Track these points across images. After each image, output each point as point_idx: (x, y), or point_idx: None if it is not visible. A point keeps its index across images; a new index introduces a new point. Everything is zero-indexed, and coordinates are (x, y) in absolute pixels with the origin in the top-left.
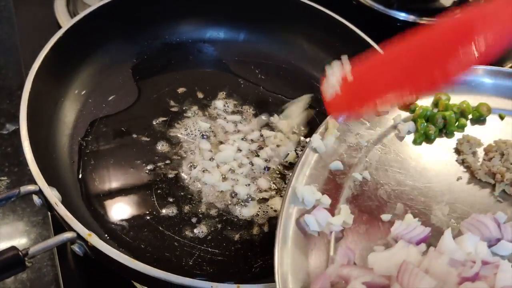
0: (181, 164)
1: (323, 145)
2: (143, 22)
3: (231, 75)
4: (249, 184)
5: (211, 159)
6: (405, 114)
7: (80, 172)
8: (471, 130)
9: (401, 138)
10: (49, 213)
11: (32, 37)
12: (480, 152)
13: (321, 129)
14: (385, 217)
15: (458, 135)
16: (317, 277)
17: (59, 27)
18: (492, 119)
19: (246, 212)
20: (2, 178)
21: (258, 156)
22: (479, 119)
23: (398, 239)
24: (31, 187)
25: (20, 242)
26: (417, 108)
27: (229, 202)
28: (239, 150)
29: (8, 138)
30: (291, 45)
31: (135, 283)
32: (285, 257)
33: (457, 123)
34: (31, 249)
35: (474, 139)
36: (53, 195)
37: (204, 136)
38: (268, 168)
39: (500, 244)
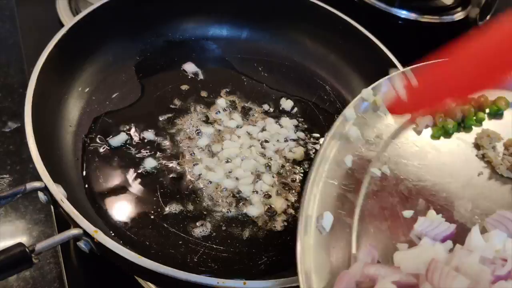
0: (185, 162)
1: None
2: (146, 20)
3: (234, 72)
4: (253, 181)
5: (215, 156)
6: None
7: (84, 169)
8: (489, 124)
9: (419, 132)
10: (52, 210)
11: (34, 35)
12: (500, 147)
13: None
14: (407, 213)
15: (476, 129)
16: (341, 276)
17: (62, 25)
18: (509, 113)
19: (250, 208)
20: (5, 175)
21: (262, 153)
22: (497, 113)
23: (421, 236)
24: (36, 184)
25: (23, 240)
26: None
27: (233, 199)
28: (243, 147)
29: (10, 136)
30: (294, 43)
31: (139, 280)
32: (306, 255)
33: (475, 117)
34: (38, 246)
35: (494, 133)
36: (58, 192)
37: (208, 134)
38: (271, 166)
39: None
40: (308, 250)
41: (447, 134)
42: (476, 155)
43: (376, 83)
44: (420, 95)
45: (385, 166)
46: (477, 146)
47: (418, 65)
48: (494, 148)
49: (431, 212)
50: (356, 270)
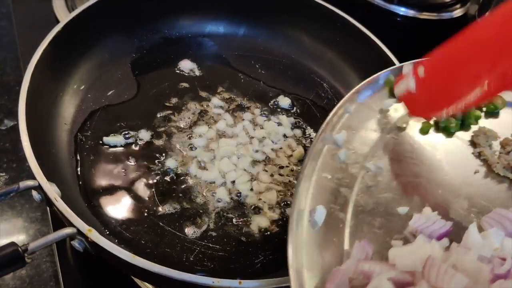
0: (180, 160)
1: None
2: (142, 17)
3: (231, 69)
4: (249, 179)
5: (211, 154)
6: None
7: (79, 167)
8: (485, 123)
9: (415, 129)
10: (48, 209)
11: (30, 32)
12: (496, 146)
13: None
14: (402, 210)
15: (473, 127)
16: (333, 272)
17: (58, 22)
18: (506, 112)
19: (247, 207)
20: (1, 174)
21: (259, 150)
22: (493, 112)
23: (417, 234)
24: (30, 183)
25: (19, 238)
26: None
27: (230, 198)
28: (239, 145)
29: (6, 134)
30: (291, 40)
31: (135, 279)
32: (298, 251)
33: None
34: (31, 245)
35: (490, 131)
36: (52, 191)
37: (204, 132)
38: (268, 164)
39: None
40: (299, 245)
41: (449, 134)
42: (473, 153)
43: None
44: (433, 91)
45: (380, 161)
46: (473, 144)
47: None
48: (491, 146)
49: (427, 209)
50: (350, 266)
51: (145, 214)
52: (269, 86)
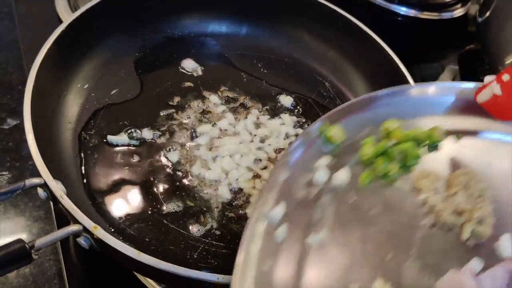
0: (184, 158)
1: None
2: (145, 16)
3: (233, 69)
4: (252, 177)
5: (214, 152)
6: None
7: (84, 165)
8: (426, 160)
9: (344, 187)
10: (52, 207)
11: (32, 32)
12: (442, 187)
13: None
14: (353, 287)
15: (414, 169)
16: None
17: (60, 22)
18: (446, 143)
19: (250, 205)
20: (4, 172)
21: (261, 149)
22: (434, 146)
23: None
24: (36, 180)
25: (23, 237)
26: (364, 146)
27: (233, 196)
28: (242, 143)
29: (9, 133)
30: (293, 39)
31: (139, 277)
32: (248, 273)
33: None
34: (37, 242)
35: (433, 173)
36: (58, 188)
37: (207, 130)
38: (271, 162)
39: None
40: (249, 268)
41: (391, 182)
42: (416, 201)
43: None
44: None
45: (322, 231)
46: (417, 189)
47: None
48: (436, 190)
49: (379, 282)
50: None
51: (149, 212)
52: (272, 85)
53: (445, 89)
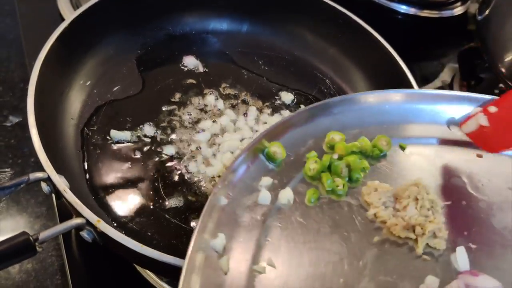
0: (186, 154)
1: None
2: (147, 13)
3: (234, 66)
4: None
5: (215, 148)
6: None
7: (86, 161)
8: (372, 172)
9: (290, 206)
10: (54, 203)
11: (35, 29)
12: (391, 200)
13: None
14: None
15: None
16: None
17: (62, 19)
18: (391, 153)
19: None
20: (6, 169)
21: None
22: (379, 157)
23: None
24: (40, 174)
25: None
26: (308, 162)
27: None
28: (243, 139)
29: (11, 130)
30: (294, 36)
31: (141, 273)
32: None
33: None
34: (41, 234)
35: (381, 186)
36: (61, 182)
37: (208, 127)
38: None
39: None
40: None
41: (338, 197)
42: (366, 217)
43: None
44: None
45: (269, 258)
46: (365, 204)
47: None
48: (385, 204)
49: None
50: None
51: (151, 207)
52: (272, 82)
53: (385, 97)
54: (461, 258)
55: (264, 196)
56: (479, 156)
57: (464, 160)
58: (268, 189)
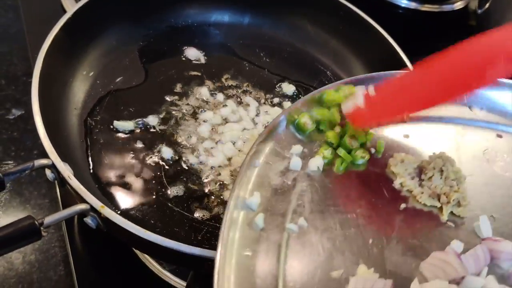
0: (188, 144)
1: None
2: (149, 5)
3: (236, 58)
4: None
5: (217, 138)
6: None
7: (90, 150)
8: (397, 147)
9: (327, 167)
10: (58, 194)
11: (37, 23)
12: (416, 172)
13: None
14: (336, 274)
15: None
16: None
17: (65, 12)
18: (414, 131)
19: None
20: (9, 162)
21: None
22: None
23: None
24: (44, 161)
25: None
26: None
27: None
28: (245, 130)
29: (14, 123)
30: (295, 28)
31: (145, 262)
32: (229, 260)
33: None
34: (46, 219)
35: (407, 157)
36: (66, 169)
37: (210, 117)
38: None
39: (466, 281)
40: (228, 270)
41: (364, 167)
42: (393, 185)
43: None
44: (379, 106)
45: (301, 218)
46: (392, 174)
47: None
48: (411, 175)
49: (362, 268)
50: None
51: (154, 196)
52: (274, 73)
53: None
54: (484, 225)
55: (295, 162)
56: (499, 136)
57: (484, 139)
58: (299, 156)
